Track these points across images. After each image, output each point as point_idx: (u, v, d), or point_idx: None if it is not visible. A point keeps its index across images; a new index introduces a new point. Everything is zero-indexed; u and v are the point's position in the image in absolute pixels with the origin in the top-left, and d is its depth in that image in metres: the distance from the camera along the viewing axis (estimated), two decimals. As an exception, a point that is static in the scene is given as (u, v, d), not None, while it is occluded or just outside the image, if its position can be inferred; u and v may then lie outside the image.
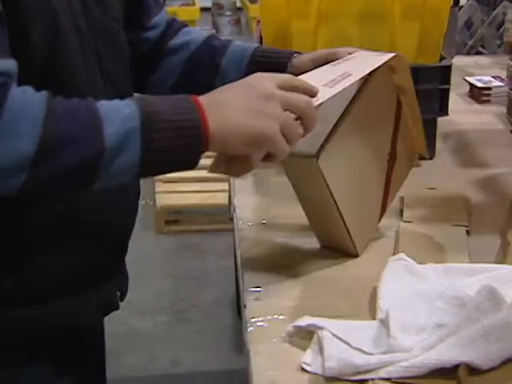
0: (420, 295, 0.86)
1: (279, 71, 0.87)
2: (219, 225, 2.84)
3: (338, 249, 1.00)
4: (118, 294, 1.02)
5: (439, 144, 1.42)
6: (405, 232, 1.07)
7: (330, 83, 0.86)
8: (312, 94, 0.83)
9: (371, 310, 0.87)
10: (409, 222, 1.10)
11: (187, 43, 1.07)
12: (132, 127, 0.74)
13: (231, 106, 0.78)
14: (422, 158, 1.37)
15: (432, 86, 1.34)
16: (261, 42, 1.37)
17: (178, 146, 0.76)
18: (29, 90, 0.74)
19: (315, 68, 0.94)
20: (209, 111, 0.77)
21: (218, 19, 4.60)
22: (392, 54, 0.98)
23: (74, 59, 0.85)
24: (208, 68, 1.04)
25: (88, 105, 0.75)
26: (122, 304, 2.77)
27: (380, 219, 1.05)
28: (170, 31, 1.08)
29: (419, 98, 1.34)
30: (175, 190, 3.07)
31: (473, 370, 0.75)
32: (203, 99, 0.78)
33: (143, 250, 2.97)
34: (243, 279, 0.97)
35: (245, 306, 0.91)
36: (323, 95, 0.84)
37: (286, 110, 0.80)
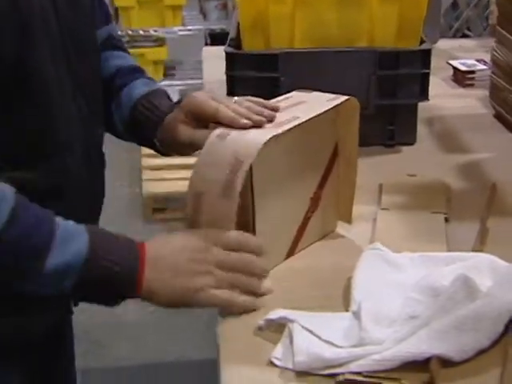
0: (395, 285, 0.84)
1: (152, 129, 0.98)
2: (206, 212, 2.83)
3: None
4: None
5: (421, 129, 1.40)
6: (382, 220, 1.05)
7: (277, 125, 0.89)
8: (256, 250, 0.86)
9: (345, 302, 0.86)
10: (386, 209, 1.09)
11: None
12: (73, 266, 0.77)
13: (168, 263, 0.82)
14: (404, 143, 1.36)
15: (412, 71, 1.31)
16: (238, 28, 1.35)
17: (107, 292, 0.80)
18: None
19: (190, 118, 0.95)
20: (149, 261, 0.81)
21: (204, 4, 4.56)
22: (344, 98, 0.95)
23: (43, 61, 0.85)
24: (107, 90, 1.04)
25: (48, 221, 0.78)
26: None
27: (285, 258, 0.95)
28: (103, 48, 1.06)
29: (399, 83, 1.33)
30: (162, 178, 3.05)
31: (446, 362, 0.73)
32: (149, 250, 0.81)
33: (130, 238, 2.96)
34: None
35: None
36: (268, 133, 0.86)
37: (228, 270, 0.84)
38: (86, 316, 2.38)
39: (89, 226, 0.81)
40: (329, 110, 0.94)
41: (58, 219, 0.80)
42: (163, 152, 1.03)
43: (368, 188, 1.15)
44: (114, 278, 0.79)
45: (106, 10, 1.08)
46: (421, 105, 1.36)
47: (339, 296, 0.88)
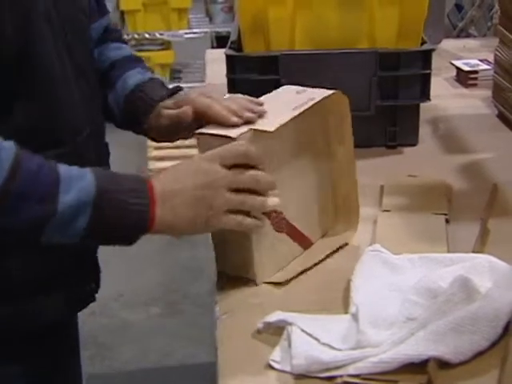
0: (393, 288, 0.84)
1: (143, 117, 0.99)
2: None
3: (237, 275, 0.93)
4: (93, 285, 1.03)
5: (423, 130, 1.40)
6: (383, 221, 1.05)
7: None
8: (256, 162, 0.87)
9: (345, 304, 0.86)
10: (387, 211, 1.08)
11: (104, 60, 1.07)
12: (85, 201, 0.78)
13: (180, 197, 0.82)
14: (406, 144, 1.36)
15: (413, 71, 1.31)
16: (239, 31, 1.35)
17: (122, 227, 0.80)
18: None
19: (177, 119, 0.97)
20: (159, 198, 0.81)
21: (210, 7, 4.56)
22: (330, 92, 0.96)
23: (46, 49, 0.86)
24: (104, 82, 1.05)
25: (51, 167, 0.79)
26: (114, 296, 2.78)
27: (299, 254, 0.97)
28: (100, 41, 1.07)
29: (400, 84, 1.33)
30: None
31: (443, 364, 0.73)
32: (157, 186, 0.82)
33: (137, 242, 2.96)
34: (216, 273, 0.95)
35: (216, 302, 0.89)
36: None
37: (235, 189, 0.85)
38: (92, 320, 2.41)
39: (92, 167, 0.81)
40: (316, 103, 0.95)
41: (60, 165, 0.80)
42: (155, 139, 1.06)
43: (369, 189, 1.15)
44: (126, 211, 0.79)
45: (103, 3, 1.09)
46: (423, 105, 1.36)
47: (339, 298, 0.88)
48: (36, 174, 0.78)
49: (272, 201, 0.88)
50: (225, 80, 1.34)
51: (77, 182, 0.79)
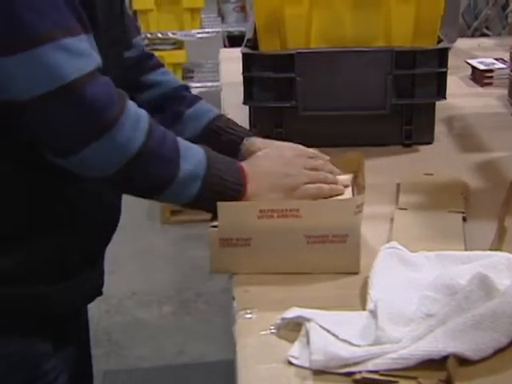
0: (411, 284, 0.84)
1: (230, 149, 1.05)
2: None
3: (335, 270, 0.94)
4: (100, 281, 1.06)
5: (439, 128, 1.40)
6: (399, 219, 1.05)
7: None
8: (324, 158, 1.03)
9: (362, 301, 0.86)
10: (404, 209, 1.08)
11: (159, 84, 1.12)
12: (198, 173, 0.90)
13: (264, 172, 0.96)
14: (422, 143, 1.36)
15: (429, 70, 1.31)
16: (255, 29, 1.35)
17: (220, 199, 0.90)
18: (133, 103, 0.88)
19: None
20: (249, 178, 0.94)
21: (223, 6, 4.57)
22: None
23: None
24: (169, 114, 1.11)
25: (172, 135, 0.91)
26: (127, 295, 2.80)
27: None
28: (146, 64, 1.12)
29: (416, 83, 1.32)
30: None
31: (463, 361, 0.73)
32: (247, 168, 0.95)
33: (149, 240, 2.97)
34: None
35: (233, 298, 0.90)
36: None
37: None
38: (106, 318, 2.42)
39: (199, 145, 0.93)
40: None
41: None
42: None
43: (385, 188, 1.15)
44: (226, 188, 0.91)
45: (134, 23, 1.15)
46: (439, 104, 1.35)
47: (356, 295, 0.88)
48: (164, 139, 0.89)
49: (345, 177, 1.02)
50: (239, 78, 1.34)
51: (192, 154, 0.90)
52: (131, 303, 2.56)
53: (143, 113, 0.88)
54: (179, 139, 0.91)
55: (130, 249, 2.77)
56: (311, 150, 1.03)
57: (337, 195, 0.98)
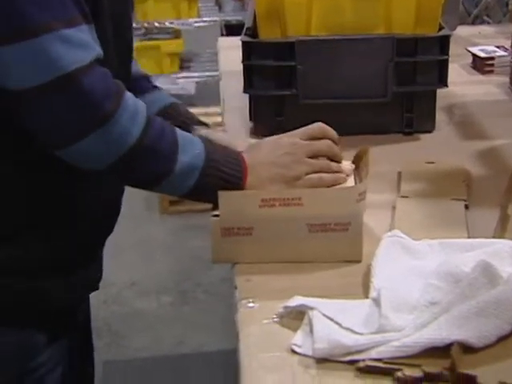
0: (414, 272, 0.84)
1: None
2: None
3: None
4: (99, 275, 1.06)
5: (440, 117, 1.39)
6: (401, 207, 1.05)
7: None
8: (330, 136, 0.99)
9: (365, 289, 0.86)
10: (405, 197, 1.08)
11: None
12: (196, 165, 0.90)
13: (265, 163, 0.95)
14: (423, 131, 1.35)
15: (430, 58, 1.31)
16: (254, 17, 1.35)
17: (215, 193, 0.89)
18: (131, 95, 0.88)
19: None
20: (250, 169, 0.93)
21: (220, -5, 4.55)
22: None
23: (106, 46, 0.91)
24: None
25: (171, 127, 0.90)
26: (126, 285, 2.79)
27: None
28: (142, 84, 1.10)
29: (418, 70, 1.32)
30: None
31: (467, 348, 0.73)
32: (248, 159, 0.94)
33: (147, 230, 2.97)
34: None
35: (235, 288, 0.90)
36: None
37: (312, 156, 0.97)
38: (105, 308, 2.42)
39: (199, 136, 0.94)
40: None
41: (174, 127, 0.91)
42: None
43: (387, 176, 1.15)
44: (224, 180, 0.91)
45: None
46: (440, 92, 1.35)
47: (359, 283, 0.88)
48: (162, 132, 0.88)
49: (347, 166, 1.00)
50: (238, 67, 1.33)
51: (191, 146, 0.90)
52: (130, 293, 2.56)
53: (141, 105, 0.88)
54: (178, 131, 0.90)
55: (128, 239, 2.77)
56: (316, 126, 0.99)
57: (339, 184, 0.98)
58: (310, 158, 0.96)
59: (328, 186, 0.96)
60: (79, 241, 0.97)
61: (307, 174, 0.95)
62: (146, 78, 1.12)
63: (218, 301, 2.47)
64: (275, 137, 0.99)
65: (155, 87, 1.11)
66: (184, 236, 2.91)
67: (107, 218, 1.03)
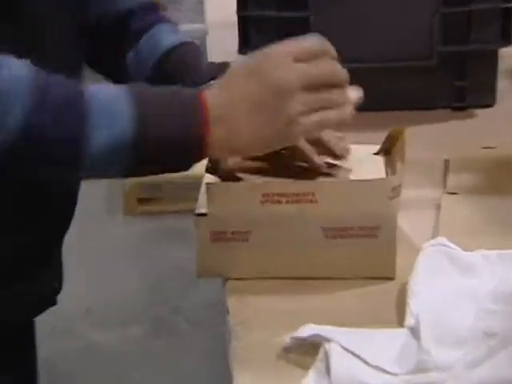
0: (464, 293, 0.86)
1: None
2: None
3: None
4: (56, 285, 1.09)
5: (502, 85, 1.41)
6: (448, 206, 1.07)
7: None
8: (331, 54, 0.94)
9: (399, 315, 0.88)
10: (454, 193, 1.10)
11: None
12: (120, 139, 0.86)
13: (241, 105, 0.89)
14: (479, 105, 1.37)
15: (490, 5, 1.32)
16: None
17: (169, 161, 0.88)
18: (13, 62, 0.84)
19: None
20: (213, 117, 0.88)
21: None
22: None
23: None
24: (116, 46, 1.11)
25: (79, 93, 0.86)
26: (80, 313, 2.81)
27: None
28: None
29: (472, 24, 1.33)
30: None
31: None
32: (212, 102, 0.88)
33: (109, 238, 2.98)
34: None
35: (227, 312, 0.92)
36: None
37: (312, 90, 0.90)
38: (51, 342, 2.43)
39: (130, 86, 0.89)
40: None
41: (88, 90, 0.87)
42: None
43: (430, 165, 1.17)
44: (169, 143, 0.87)
45: None
46: (502, 52, 1.37)
47: (391, 307, 0.90)
48: (60, 107, 0.84)
49: (353, 93, 0.94)
50: (229, 19, 1.35)
51: (110, 113, 0.86)
52: (84, 323, 2.58)
53: (24, 76, 0.84)
54: (95, 94, 0.87)
55: (82, 250, 2.79)
56: (315, 40, 0.94)
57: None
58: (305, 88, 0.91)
59: (332, 127, 0.96)
60: (26, 241, 0.99)
61: (302, 114, 0.90)
62: (147, 8, 1.13)
63: (204, 332, 2.49)
64: (258, 54, 0.93)
65: (154, 22, 1.11)
66: (157, 244, 2.93)
67: (59, 210, 1.04)
